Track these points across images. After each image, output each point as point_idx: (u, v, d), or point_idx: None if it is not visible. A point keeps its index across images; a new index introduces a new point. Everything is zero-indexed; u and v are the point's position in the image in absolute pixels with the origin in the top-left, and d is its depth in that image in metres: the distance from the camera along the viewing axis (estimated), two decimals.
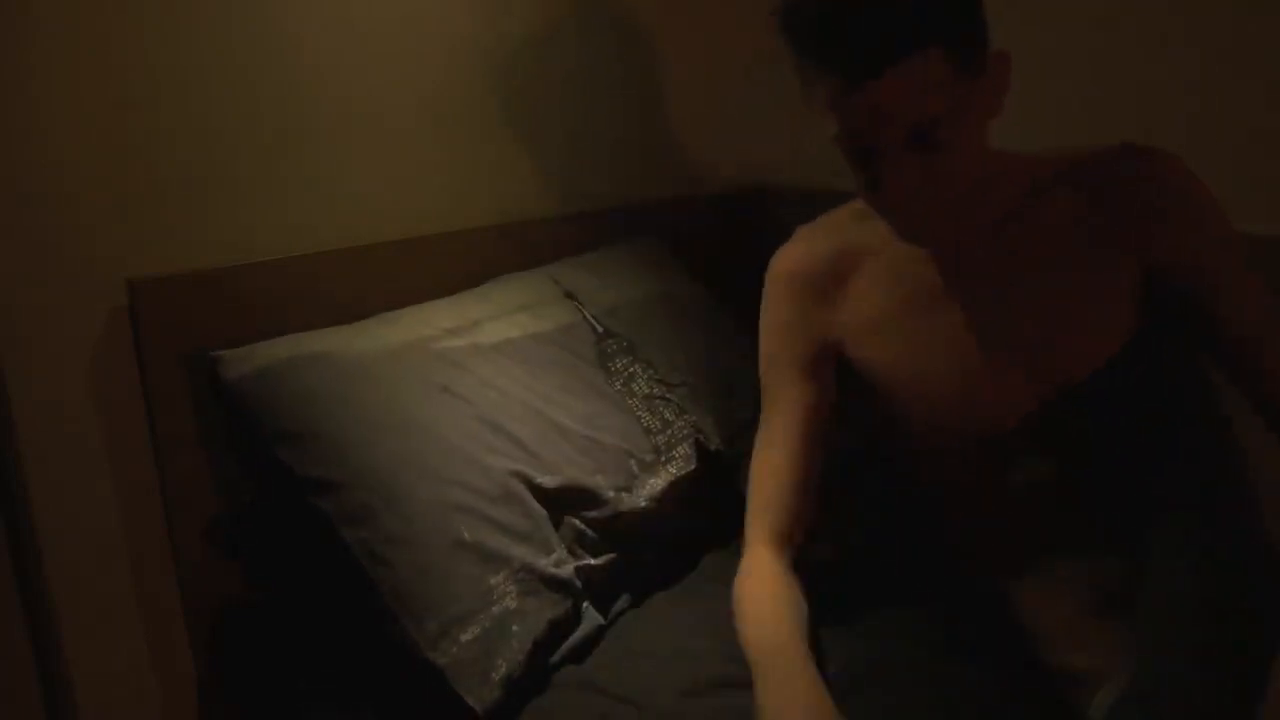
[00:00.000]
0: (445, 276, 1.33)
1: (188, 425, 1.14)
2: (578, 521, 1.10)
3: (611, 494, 1.13)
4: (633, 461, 1.18)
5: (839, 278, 0.97)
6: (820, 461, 0.98)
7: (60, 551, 1.09)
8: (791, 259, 0.99)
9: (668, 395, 1.27)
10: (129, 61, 1.07)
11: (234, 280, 1.16)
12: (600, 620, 1.06)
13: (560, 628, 1.02)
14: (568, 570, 1.04)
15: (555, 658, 1.01)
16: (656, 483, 1.18)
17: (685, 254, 1.56)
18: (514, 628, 0.97)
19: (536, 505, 1.07)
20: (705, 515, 1.21)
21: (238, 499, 1.18)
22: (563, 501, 1.10)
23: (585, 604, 1.07)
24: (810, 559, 0.97)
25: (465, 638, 0.96)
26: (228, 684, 1.21)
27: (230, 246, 1.17)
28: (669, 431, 1.23)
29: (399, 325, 1.20)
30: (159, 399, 1.12)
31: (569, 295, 1.34)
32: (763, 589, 0.93)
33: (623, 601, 1.11)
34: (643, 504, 1.15)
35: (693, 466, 1.21)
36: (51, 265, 1.05)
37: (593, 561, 1.09)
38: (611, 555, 1.11)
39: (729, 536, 1.12)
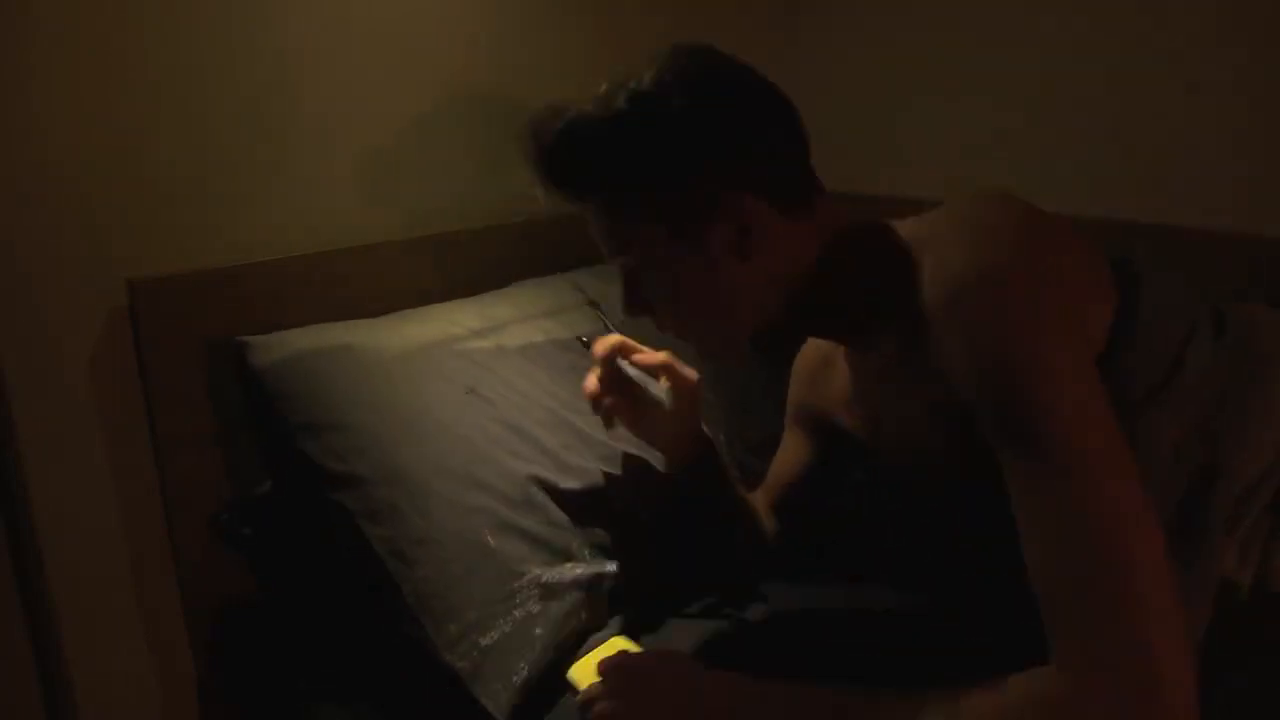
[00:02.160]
0: (449, 277, 1.33)
1: (188, 425, 1.14)
2: (599, 528, 1.10)
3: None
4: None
5: (826, 361, 1.04)
6: (799, 476, 1.09)
7: (60, 551, 1.09)
8: (801, 350, 1.09)
9: None
10: (129, 62, 1.07)
11: (234, 280, 1.15)
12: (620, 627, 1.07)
13: (581, 634, 1.02)
14: (589, 576, 1.05)
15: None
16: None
17: None
18: (536, 631, 0.97)
19: (558, 510, 1.07)
20: None
21: (244, 493, 1.18)
22: (584, 507, 1.10)
23: (606, 609, 1.07)
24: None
25: (485, 642, 0.95)
26: (228, 684, 1.22)
27: (230, 246, 1.17)
28: None
29: (425, 322, 1.20)
30: (159, 399, 1.12)
31: (592, 303, 1.33)
32: None
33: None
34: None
35: None
36: (51, 265, 1.05)
37: (611, 568, 1.09)
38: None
39: None
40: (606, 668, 0.86)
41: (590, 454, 1.14)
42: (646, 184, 0.85)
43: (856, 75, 1.60)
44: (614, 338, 1.03)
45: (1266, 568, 0.78)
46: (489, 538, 1.00)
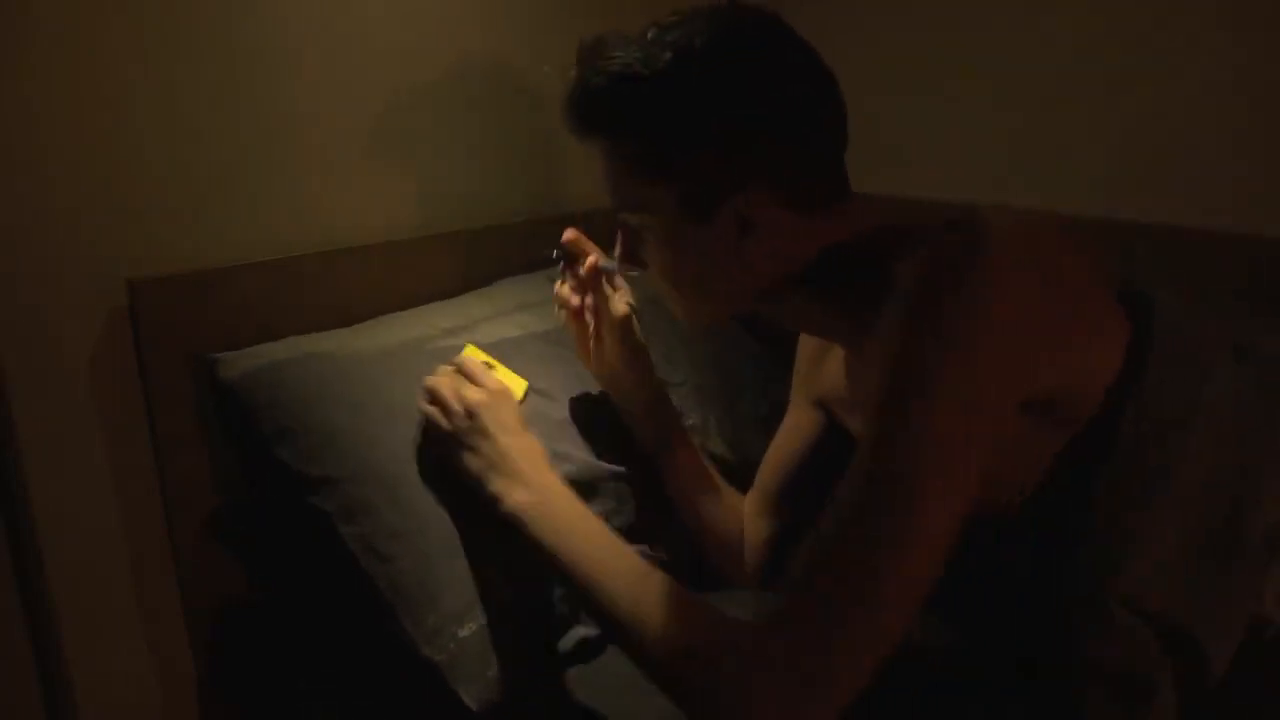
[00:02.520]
0: (449, 277, 1.33)
1: (188, 425, 1.14)
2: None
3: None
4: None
5: (825, 346, 1.06)
6: (805, 456, 1.09)
7: (60, 551, 1.09)
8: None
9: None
10: (129, 61, 1.06)
11: (234, 280, 1.15)
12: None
13: (562, 624, 1.02)
14: None
15: (558, 650, 1.01)
16: None
17: None
18: (510, 625, 0.97)
19: None
20: None
21: (238, 496, 1.18)
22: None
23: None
24: None
25: (463, 634, 0.95)
26: (228, 684, 1.22)
27: (230, 246, 1.17)
28: None
29: (397, 326, 1.20)
30: (159, 399, 1.12)
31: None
32: None
33: None
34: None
35: None
36: (51, 265, 1.05)
37: None
38: None
39: None
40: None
41: (566, 439, 1.13)
42: (662, 146, 0.83)
43: (856, 74, 1.60)
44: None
45: None
46: (464, 528, 1.00)
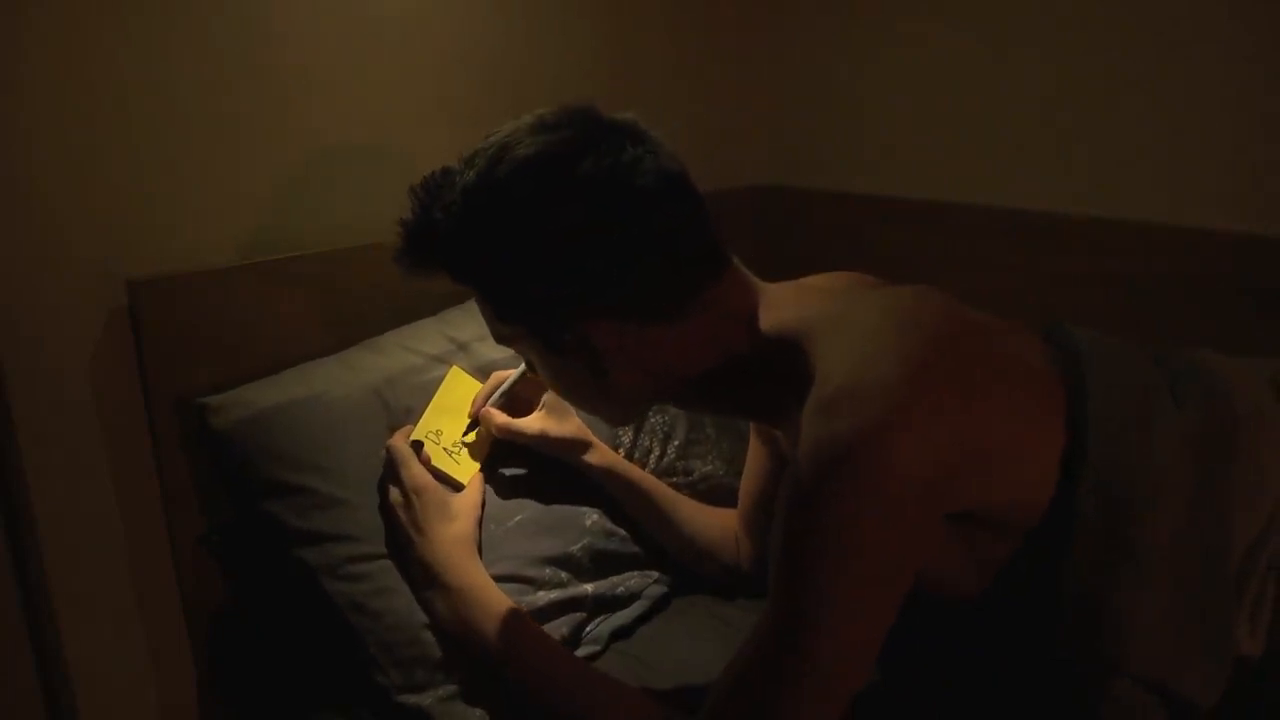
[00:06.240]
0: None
1: (188, 425, 1.14)
2: (573, 549, 1.10)
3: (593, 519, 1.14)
4: None
5: None
6: (764, 481, 1.10)
7: (60, 552, 1.09)
8: None
9: (663, 416, 1.26)
10: (130, 60, 1.06)
11: (233, 280, 1.15)
12: (596, 648, 1.07)
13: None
14: (561, 600, 1.05)
15: None
16: None
17: None
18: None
19: (528, 542, 1.07)
20: None
21: (227, 516, 1.17)
22: (556, 528, 1.10)
23: (586, 629, 1.08)
24: None
25: (450, 686, 0.96)
26: (228, 684, 1.21)
27: (230, 246, 1.17)
28: (664, 454, 1.23)
29: (385, 354, 1.19)
30: (158, 399, 1.12)
31: None
32: None
33: (622, 616, 1.12)
34: (623, 531, 1.15)
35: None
36: (51, 265, 1.05)
37: (588, 589, 1.09)
38: (604, 580, 1.11)
39: None
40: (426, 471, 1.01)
41: (554, 477, 1.13)
42: (487, 291, 0.84)
43: (851, 73, 1.60)
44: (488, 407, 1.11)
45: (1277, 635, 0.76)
46: None
